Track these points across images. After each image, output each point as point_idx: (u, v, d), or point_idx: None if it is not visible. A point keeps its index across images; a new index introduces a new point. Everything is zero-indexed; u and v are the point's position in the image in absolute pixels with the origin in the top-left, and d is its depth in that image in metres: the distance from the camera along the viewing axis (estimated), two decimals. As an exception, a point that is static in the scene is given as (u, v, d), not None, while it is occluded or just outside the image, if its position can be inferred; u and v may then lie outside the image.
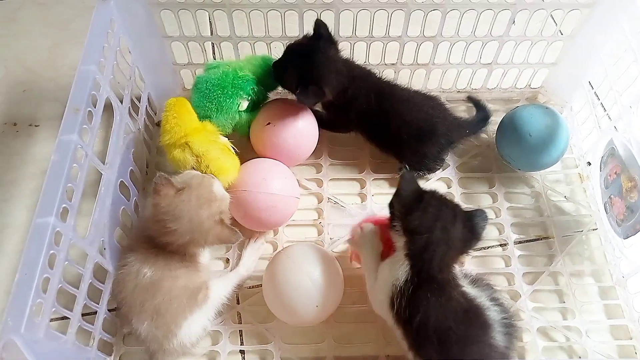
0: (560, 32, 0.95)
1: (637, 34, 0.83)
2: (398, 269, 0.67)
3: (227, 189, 0.82)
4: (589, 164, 0.96)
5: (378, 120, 0.90)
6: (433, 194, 0.70)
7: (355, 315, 0.82)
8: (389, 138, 0.91)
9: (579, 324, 0.82)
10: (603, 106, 0.94)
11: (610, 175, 0.87)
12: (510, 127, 0.92)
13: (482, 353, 0.66)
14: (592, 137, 0.95)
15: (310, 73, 0.83)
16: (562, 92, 1.02)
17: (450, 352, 0.65)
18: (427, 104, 0.91)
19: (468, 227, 0.67)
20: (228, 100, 0.88)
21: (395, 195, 0.70)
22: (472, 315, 0.67)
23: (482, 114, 0.95)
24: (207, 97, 0.87)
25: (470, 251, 0.70)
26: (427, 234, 0.65)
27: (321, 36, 0.84)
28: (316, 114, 0.92)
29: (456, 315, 0.65)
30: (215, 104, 0.87)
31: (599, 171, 0.91)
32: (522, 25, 0.92)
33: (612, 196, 0.87)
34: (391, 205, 0.71)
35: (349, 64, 0.88)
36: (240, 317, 0.83)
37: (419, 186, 0.70)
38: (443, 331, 0.65)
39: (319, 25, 0.85)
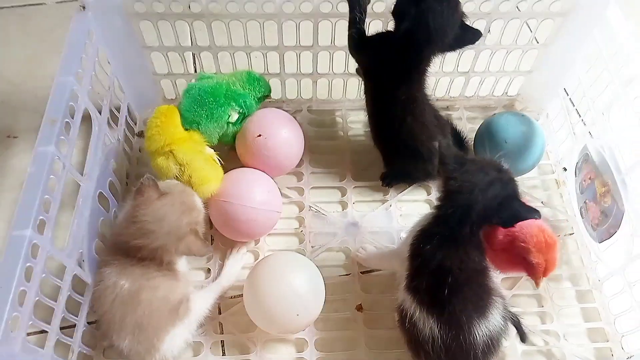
0: (536, 40, 0.97)
1: (608, 43, 0.85)
2: (430, 216, 0.70)
3: (210, 198, 0.83)
4: (565, 169, 0.97)
5: (395, 114, 0.86)
6: (479, 161, 0.73)
7: (337, 322, 0.83)
8: (391, 134, 0.89)
9: (557, 327, 0.83)
10: (578, 112, 0.96)
11: (585, 181, 0.89)
12: (487, 134, 0.93)
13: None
14: (567, 144, 0.97)
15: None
16: (538, 99, 1.04)
17: (440, 292, 0.66)
18: (439, 131, 0.90)
19: (501, 202, 0.67)
20: (220, 109, 0.88)
21: (439, 162, 0.70)
22: (477, 274, 0.68)
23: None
24: (198, 103, 0.87)
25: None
26: (454, 194, 0.67)
27: (467, 29, 0.82)
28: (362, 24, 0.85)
29: (460, 265, 0.66)
30: (206, 111, 0.87)
31: (574, 177, 0.93)
32: (497, 34, 0.94)
33: (587, 201, 0.88)
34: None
35: None
36: (222, 327, 0.82)
37: (459, 152, 0.73)
38: (441, 271, 0.66)
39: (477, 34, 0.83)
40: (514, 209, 0.67)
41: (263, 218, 0.85)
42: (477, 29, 0.82)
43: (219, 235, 0.88)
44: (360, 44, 0.85)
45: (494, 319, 0.67)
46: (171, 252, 0.73)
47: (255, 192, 0.84)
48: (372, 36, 0.85)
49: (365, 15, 0.84)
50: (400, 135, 0.87)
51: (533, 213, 0.67)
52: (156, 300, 0.73)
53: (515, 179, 0.70)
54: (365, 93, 0.90)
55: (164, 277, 0.74)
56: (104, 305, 0.71)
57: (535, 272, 0.75)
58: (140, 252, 0.72)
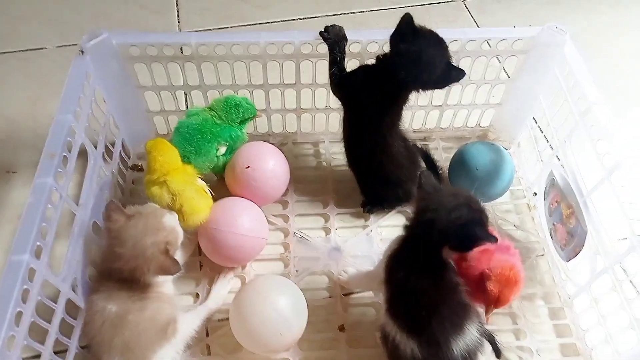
0: (507, 74, 1.04)
1: (566, 77, 0.92)
2: (399, 239, 0.76)
3: (200, 226, 0.88)
4: (535, 194, 1.03)
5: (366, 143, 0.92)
6: (455, 189, 0.79)
7: (320, 343, 0.86)
8: (365, 162, 0.95)
9: (530, 343, 0.87)
10: (547, 139, 1.03)
11: (552, 204, 0.95)
12: (459, 162, 0.99)
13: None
14: (537, 170, 1.03)
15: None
16: (509, 129, 1.11)
17: (417, 315, 0.70)
18: (407, 163, 0.96)
19: (467, 228, 0.70)
20: (207, 144, 0.94)
21: (417, 187, 0.75)
22: (452, 292, 0.72)
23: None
24: (187, 140, 0.93)
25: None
26: (424, 213, 0.71)
27: (452, 68, 0.86)
28: (342, 62, 0.91)
29: (434, 286, 0.71)
30: (195, 147, 0.93)
31: (543, 200, 0.98)
32: (466, 70, 1.00)
33: (555, 223, 0.94)
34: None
35: None
36: (209, 349, 0.86)
37: (436, 182, 0.77)
38: (417, 294, 0.70)
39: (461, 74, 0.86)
40: (472, 233, 0.70)
41: (250, 244, 0.90)
42: (461, 69, 0.86)
43: (207, 261, 0.93)
44: (341, 81, 0.91)
45: (470, 334, 0.71)
46: (144, 272, 0.75)
47: (242, 220, 0.89)
48: (353, 71, 0.91)
49: (344, 54, 0.91)
50: (371, 164, 0.93)
51: (490, 237, 0.70)
52: (143, 322, 0.76)
53: (485, 209, 0.74)
54: (343, 121, 0.96)
55: (150, 300, 0.78)
56: (94, 329, 0.74)
57: (487, 298, 0.78)
58: (121, 275, 0.75)
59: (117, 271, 0.75)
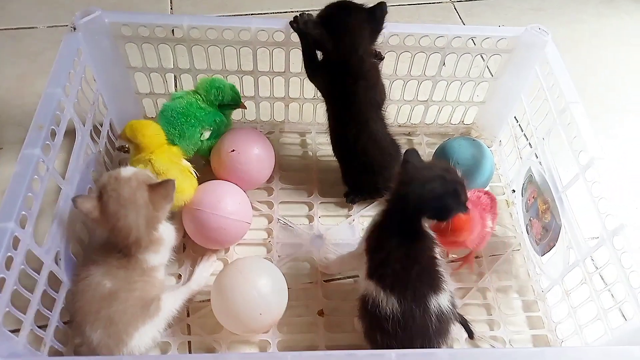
0: (491, 72, 1.07)
1: (546, 77, 0.95)
2: (380, 211, 0.79)
3: (184, 206, 0.89)
4: (514, 191, 1.06)
5: (352, 124, 0.93)
6: (433, 163, 0.80)
7: (300, 326, 0.88)
8: (349, 147, 0.96)
9: (503, 334, 0.89)
10: (526, 137, 1.06)
11: (529, 200, 0.98)
12: (441, 156, 1.02)
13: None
14: (516, 167, 1.06)
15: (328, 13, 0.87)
16: (491, 127, 1.14)
17: (401, 273, 0.73)
18: (390, 150, 0.98)
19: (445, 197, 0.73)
20: (191, 128, 0.95)
21: (401, 163, 0.78)
22: (431, 261, 0.75)
23: None
24: (171, 124, 0.94)
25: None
26: (405, 190, 0.74)
27: (374, 13, 0.87)
28: (314, 49, 0.92)
29: (415, 252, 0.74)
30: (179, 131, 0.94)
31: (521, 197, 1.01)
32: (451, 67, 1.04)
33: (531, 218, 0.97)
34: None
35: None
36: (189, 328, 0.87)
37: (420, 159, 0.79)
38: (401, 257, 0.73)
39: (379, 6, 0.88)
40: (445, 204, 0.73)
41: (233, 227, 0.91)
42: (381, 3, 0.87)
43: (191, 243, 0.94)
44: (312, 69, 0.93)
45: (443, 300, 0.74)
46: (154, 224, 0.78)
47: (226, 203, 0.90)
48: (321, 61, 0.92)
49: (315, 43, 0.91)
50: (355, 148, 0.95)
51: (462, 208, 0.74)
52: (131, 299, 0.77)
53: (462, 179, 0.76)
54: (326, 111, 0.97)
55: (143, 282, 0.79)
56: (84, 298, 0.76)
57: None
58: (120, 252, 0.77)
59: (117, 246, 0.77)
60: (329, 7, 0.87)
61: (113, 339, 0.75)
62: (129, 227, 0.76)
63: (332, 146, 1.00)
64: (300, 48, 0.93)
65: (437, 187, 0.73)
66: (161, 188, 0.78)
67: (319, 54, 0.92)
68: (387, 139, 0.96)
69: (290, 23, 0.90)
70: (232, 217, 0.90)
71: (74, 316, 0.78)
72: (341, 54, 0.87)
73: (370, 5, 0.88)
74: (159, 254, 0.81)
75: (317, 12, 0.88)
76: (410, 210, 0.73)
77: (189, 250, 0.95)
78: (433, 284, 0.74)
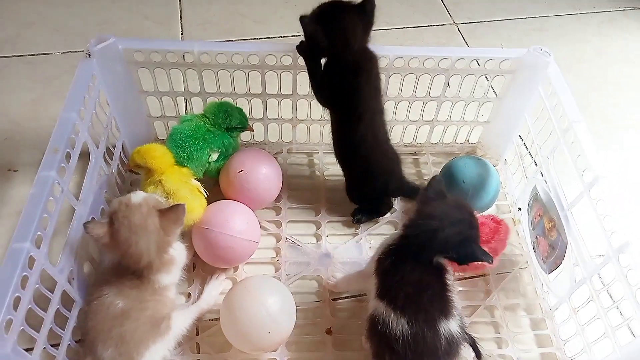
0: (495, 92, 1.09)
1: (549, 97, 0.97)
2: (393, 236, 0.79)
3: (193, 226, 0.91)
4: (520, 209, 1.07)
5: (356, 131, 0.94)
6: (457, 199, 0.79)
7: (308, 345, 0.89)
8: (352, 148, 0.97)
9: (511, 352, 0.89)
10: (532, 156, 1.07)
11: (535, 218, 0.98)
12: (447, 175, 1.03)
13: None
14: (521, 185, 1.07)
15: (323, 12, 0.88)
16: (496, 146, 1.15)
17: (413, 295, 0.73)
18: (392, 155, 1.00)
19: (465, 244, 0.74)
20: (199, 150, 0.97)
21: (422, 190, 0.80)
22: (444, 288, 0.75)
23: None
24: (179, 146, 0.96)
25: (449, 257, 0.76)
26: (426, 217, 0.75)
27: (363, 7, 0.89)
28: (318, 68, 0.94)
29: (428, 278, 0.74)
30: (187, 153, 0.96)
31: (527, 215, 1.02)
32: (455, 87, 1.06)
33: (538, 236, 0.97)
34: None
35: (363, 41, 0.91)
36: (198, 347, 0.88)
37: (444, 190, 0.79)
38: (413, 281, 0.74)
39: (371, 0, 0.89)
40: (472, 250, 0.74)
41: (241, 246, 0.92)
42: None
43: (201, 262, 0.95)
44: (318, 85, 0.95)
45: (454, 325, 0.74)
46: (164, 247, 0.79)
47: (235, 222, 0.92)
48: (323, 72, 0.94)
49: (320, 64, 0.94)
50: (359, 153, 0.96)
51: (487, 257, 0.74)
52: (143, 318, 0.78)
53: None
54: (331, 124, 0.99)
55: (154, 302, 0.81)
56: (97, 317, 0.77)
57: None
58: (133, 273, 0.79)
59: (129, 269, 0.79)
60: (321, 7, 0.88)
61: (124, 357, 0.76)
62: (140, 253, 0.77)
63: (336, 154, 1.01)
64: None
65: (465, 231, 0.74)
66: (171, 213, 0.79)
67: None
68: (389, 143, 0.99)
69: (297, 47, 0.93)
70: (241, 236, 0.91)
71: (86, 335, 0.78)
72: (337, 50, 0.88)
73: (360, 1, 0.89)
74: (171, 274, 0.82)
75: (310, 12, 0.88)
76: (434, 247, 0.74)
77: (199, 269, 0.96)
78: (444, 309, 0.74)
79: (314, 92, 0.97)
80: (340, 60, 0.90)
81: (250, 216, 0.96)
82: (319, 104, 0.98)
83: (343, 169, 1.03)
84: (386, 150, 0.98)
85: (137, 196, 0.80)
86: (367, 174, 0.98)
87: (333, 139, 1.00)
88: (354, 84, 0.90)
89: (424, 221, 0.75)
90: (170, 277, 0.82)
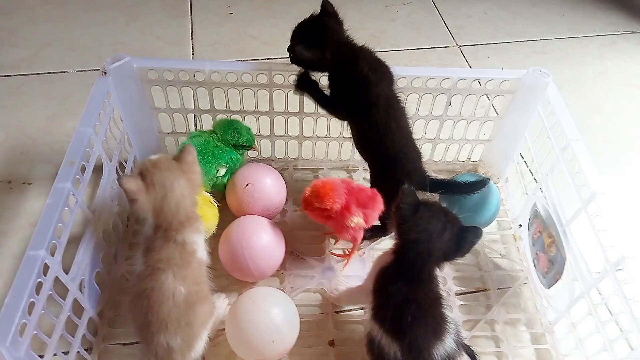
0: (496, 111, 1.12)
1: (548, 116, 1.00)
2: (388, 259, 0.79)
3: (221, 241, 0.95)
4: (520, 226, 1.09)
5: (377, 123, 0.95)
6: (430, 206, 0.79)
7: (311, 356, 0.90)
8: (374, 143, 0.98)
9: (511, 368, 0.91)
10: (532, 173, 1.10)
11: (535, 234, 1.00)
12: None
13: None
14: (522, 203, 1.09)
15: (301, 35, 0.92)
16: (498, 164, 1.18)
17: (403, 321, 0.74)
18: (415, 148, 1.02)
19: (456, 239, 0.76)
20: (207, 165, 1.01)
21: (395, 206, 0.79)
22: (435, 304, 0.77)
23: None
24: None
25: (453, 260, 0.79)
26: (413, 242, 0.76)
27: (326, 12, 0.92)
28: (323, 94, 0.98)
29: (421, 298, 0.75)
30: None
31: (527, 231, 1.04)
32: (457, 107, 1.09)
33: (538, 252, 0.99)
34: (391, 213, 0.81)
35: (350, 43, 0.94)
36: (204, 357, 0.89)
37: (417, 199, 0.79)
38: (405, 304, 0.74)
39: (326, 4, 0.92)
40: (468, 242, 0.76)
41: (266, 261, 0.95)
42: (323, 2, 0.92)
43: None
44: (331, 106, 0.99)
45: (449, 343, 0.75)
46: (192, 190, 0.80)
47: (260, 237, 0.94)
48: (333, 94, 0.98)
49: (321, 91, 0.99)
50: (384, 143, 0.97)
51: (478, 234, 0.76)
52: (202, 299, 0.80)
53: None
54: (353, 135, 1.02)
55: (203, 279, 0.82)
56: (163, 308, 0.76)
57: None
58: (166, 234, 0.78)
59: (164, 237, 0.78)
60: (297, 35, 0.92)
61: (188, 341, 0.79)
62: (178, 198, 0.77)
63: (361, 151, 1.03)
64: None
65: (452, 232, 0.76)
66: (185, 155, 0.81)
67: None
68: (411, 135, 1.00)
69: (296, 86, 0.99)
70: (270, 249, 0.94)
71: (145, 328, 0.77)
72: (335, 58, 0.92)
73: (319, 12, 0.92)
74: (201, 233, 0.83)
75: (290, 44, 0.93)
76: (432, 262, 0.76)
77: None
78: (437, 330, 0.75)
79: (331, 112, 1.00)
80: (342, 67, 0.93)
81: (275, 230, 0.98)
82: (338, 120, 1.03)
83: (369, 164, 1.04)
84: (409, 138, 1.00)
85: (154, 156, 0.82)
86: (394, 161, 0.98)
87: (355, 137, 1.02)
88: (362, 81, 0.93)
89: (415, 246, 0.76)
90: (201, 240, 0.83)
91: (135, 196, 0.76)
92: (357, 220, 0.93)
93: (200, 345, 0.81)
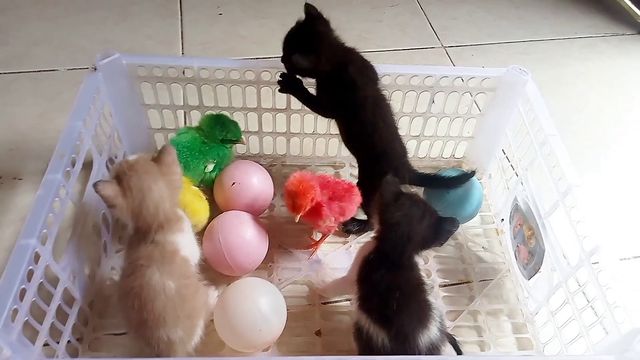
0: (478, 108, 1.15)
1: (528, 112, 1.03)
2: (370, 247, 0.82)
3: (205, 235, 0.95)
4: (502, 220, 1.12)
5: (364, 122, 0.98)
6: (411, 196, 0.83)
7: (298, 345, 0.92)
8: (362, 141, 1.01)
9: (493, 354, 0.93)
10: (513, 168, 1.13)
11: (516, 227, 1.03)
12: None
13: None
14: (504, 198, 1.12)
15: (294, 44, 0.94)
16: (481, 160, 1.21)
17: (389, 309, 0.76)
18: (402, 144, 1.05)
19: (435, 228, 0.80)
20: (195, 160, 1.03)
21: (378, 194, 0.82)
22: (419, 291, 0.80)
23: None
24: (177, 157, 1.01)
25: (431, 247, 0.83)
26: (394, 227, 0.78)
27: (312, 16, 0.95)
28: (308, 93, 1.02)
29: (404, 284, 0.78)
30: (183, 163, 1.01)
31: (509, 225, 1.07)
32: (441, 104, 1.12)
33: (519, 244, 1.02)
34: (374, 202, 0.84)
35: (339, 44, 0.97)
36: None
37: (399, 189, 0.83)
38: (389, 292, 0.77)
39: (309, 7, 0.95)
40: (446, 230, 0.80)
41: (250, 255, 0.96)
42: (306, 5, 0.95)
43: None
44: (318, 104, 1.02)
45: (433, 330, 0.78)
46: (165, 201, 0.78)
47: (245, 231, 0.96)
48: (319, 93, 1.00)
49: (305, 90, 1.02)
50: (372, 139, 0.99)
51: (455, 224, 0.80)
52: (195, 290, 0.82)
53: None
54: (341, 133, 1.04)
55: (191, 273, 0.83)
56: (156, 303, 0.76)
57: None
58: (147, 235, 0.78)
59: (146, 238, 0.78)
60: (289, 44, 0.95)
61: (189, 332, 0.81)
62: (157, 201, 0.77)
63: (349, 146, 1.05)
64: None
65: (430, 221, 0.79)
66: (163, 155, 0.80)
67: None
68: (398, 131, 1.03)
69: (280, 90, 1.02)
70: (250, 244, 0.96)
71: (142, 324, 0.77)
72: (330, 62, 0.94)
73: (304, 17, 0.95)
74: (185, 233, 0.82)
75: (284, 55, 0.96)
76: (412, 250, 0.79)
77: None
78: (422, 317, 0.77)
79: (317, 111, 1.04)
80: (333, 66, 0.95)
81: (258, 225, 0.99)
82: (324, 118, 1.05)
83: (357, 159, 1.07)
84: (396, 134, 1.02)
85: (132, 157, 0.81)
86: (382, 157, 1.00)
87: (342, 134, 1.04)
88: (350, 81, 0.95)
89: (395, 230, 0.79)
90: (186, 239, 0.82)
91: (112, 201, 0.75)
92: (328, 223, 0.99)
93: (199, 332, 0.83)
